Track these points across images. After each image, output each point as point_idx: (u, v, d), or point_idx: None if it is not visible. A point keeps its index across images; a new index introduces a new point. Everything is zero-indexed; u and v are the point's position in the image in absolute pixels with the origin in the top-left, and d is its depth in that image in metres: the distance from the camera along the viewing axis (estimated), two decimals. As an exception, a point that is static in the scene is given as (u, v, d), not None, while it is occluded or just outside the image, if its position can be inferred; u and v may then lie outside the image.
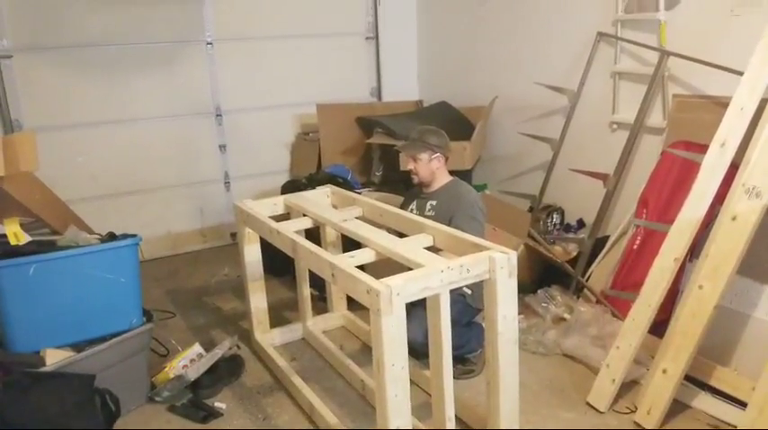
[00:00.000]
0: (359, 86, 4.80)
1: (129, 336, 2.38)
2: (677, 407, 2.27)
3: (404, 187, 3.33)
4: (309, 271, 2.86)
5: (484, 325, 2.04)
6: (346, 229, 2.36)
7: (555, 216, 3.65)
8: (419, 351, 2.26)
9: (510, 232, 3.14)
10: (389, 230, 2.41)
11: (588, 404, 2.37)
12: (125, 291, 2.42)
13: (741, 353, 2.39)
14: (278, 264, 3.21)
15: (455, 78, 4.56)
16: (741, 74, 2.33)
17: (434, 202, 2.67)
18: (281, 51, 4.43)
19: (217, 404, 2.48)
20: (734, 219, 2.14)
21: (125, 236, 2.49)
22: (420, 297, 1.76)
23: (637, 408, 2.27)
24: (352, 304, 3.12)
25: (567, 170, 3.47)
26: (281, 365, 2.64)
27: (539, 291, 3.06)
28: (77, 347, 2.32)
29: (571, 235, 3.53)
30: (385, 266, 2.07)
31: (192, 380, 2.50)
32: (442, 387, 1.90)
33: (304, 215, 2.63)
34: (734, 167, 2.23)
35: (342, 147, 4.28)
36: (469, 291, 2.50)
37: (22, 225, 2.48)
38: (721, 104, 2.50)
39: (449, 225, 2.29)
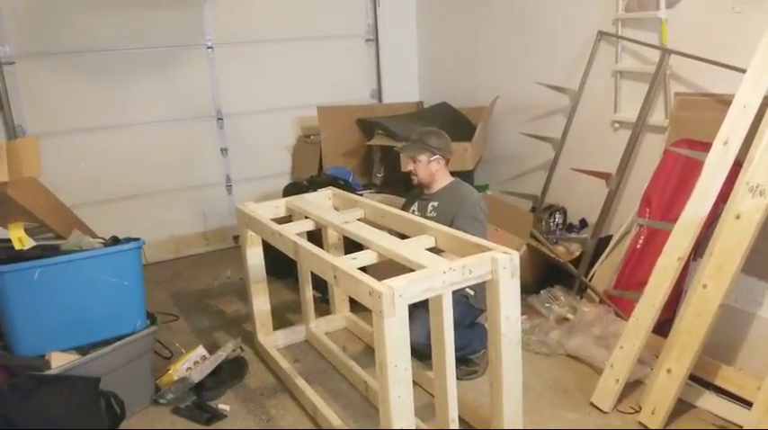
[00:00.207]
0: (359, 88, 4.80)
1: (133, 339, 2.39)
2: (682, 406, 2.26)
3: (405, 189, 3.33)
4: (312, 273, 2.87)
5: (487, 325, 2.04)
6: (348, 231, 2.36)
7: (557, 216, 3.64)
8: (422, 352, 2.26)
9: (512, 232, 3.14)
10: (391, 232, 2.41)
11: (592, 404, 2.37)
12: (129, 295, 2.43)
13: (746, 352, 2.38)
14: (280, 266, 3.22)
15: (456, 79, 4.55)
16: (743, 71, 2.32)
17: (436, 204, 2.67)
18: (281, 54, 4.43)
19: (220, 406, 2.49)
20: (738, 217, 2.13)
21: (128, 239, 2.50)
22: (422, 298, 1.76)
23: (641, 408, 2.27)
24: (355, 306, 3.12)
25: (569, 170, 3.46)
26: (285, 367, 2.64)
27: (542, 292, 3.05)
28: (82, 350, 2.33)
29: (574, 235, 3.52)
30: (387, 268, 2.07)
31: (196, 382, 2.51)
32: (446, 388, 1.89)
33: (306, 217, 2.64)
34: (737, 165, 2.22)
35: (343, 149, 4.28)
36: (472, 292, 2.49)
37: (26, 230, 2.49)
38: (724, 102, 2.49)
39: (450, 226, 2.28)
